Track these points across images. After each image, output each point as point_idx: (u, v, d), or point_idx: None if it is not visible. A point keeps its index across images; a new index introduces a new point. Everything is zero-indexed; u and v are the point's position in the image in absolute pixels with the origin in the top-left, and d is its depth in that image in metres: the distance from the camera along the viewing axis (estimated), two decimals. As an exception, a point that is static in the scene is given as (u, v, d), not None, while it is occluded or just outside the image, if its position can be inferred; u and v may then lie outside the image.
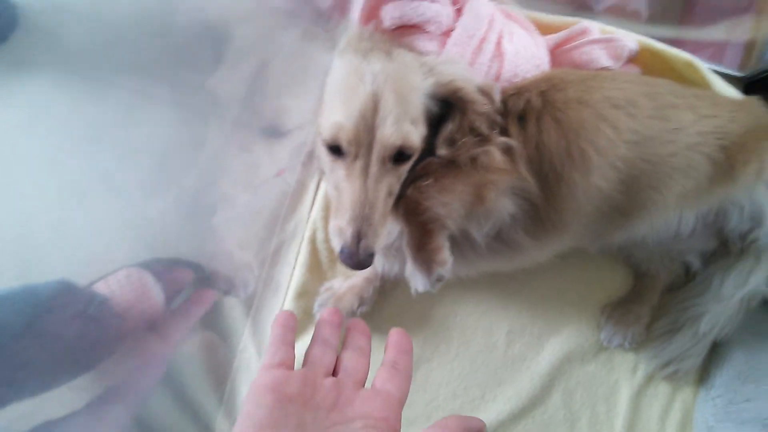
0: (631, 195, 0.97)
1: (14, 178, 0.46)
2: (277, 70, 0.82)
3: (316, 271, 1.21)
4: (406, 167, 0.88)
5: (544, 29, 1.17)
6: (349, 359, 0.69)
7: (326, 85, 0.86)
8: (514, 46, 1.05)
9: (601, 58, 1.11)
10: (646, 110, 0.96)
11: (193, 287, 0.76)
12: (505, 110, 0.94)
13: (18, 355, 0.48)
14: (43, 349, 0.50)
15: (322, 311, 1.13)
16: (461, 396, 1.17)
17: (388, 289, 1.20)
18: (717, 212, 1.05)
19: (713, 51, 1.29)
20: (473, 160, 0.90)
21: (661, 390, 1.21)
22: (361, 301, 1.15)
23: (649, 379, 1.21)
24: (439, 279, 0.88)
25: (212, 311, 0.85)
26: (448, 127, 0.89)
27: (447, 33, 1.03)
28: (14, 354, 0.47)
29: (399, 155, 0.84)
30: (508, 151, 0.92)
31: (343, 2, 1.01)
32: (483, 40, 1.03)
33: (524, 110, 0.95)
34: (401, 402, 0.66)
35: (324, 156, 0.86)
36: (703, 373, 1.21)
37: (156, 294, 0.64)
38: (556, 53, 1.14)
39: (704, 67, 1.17)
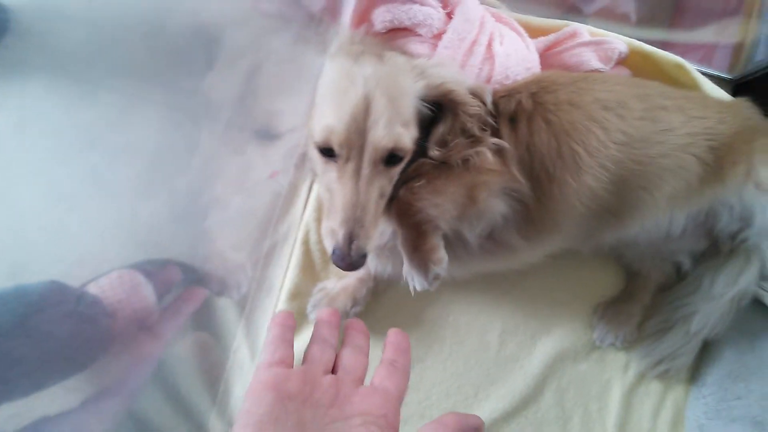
0: (622, 195, 0.98)
1: (6, 181, 0.47)
2: (269, 74, 0.83)
3: (309, 272, 1.21)
4: (398, 169, 0.88)
5: (534, 32, 1.18)
6: (347, 357, 0.70)
7: (318, 88, 0.86)
8: (505, 48, 1.06)
9: (591, 60, 1.12)
10: (636, 112, 0.96)
11: (183, 285, 0.76)
12: (496, 112, 0.95)
13: (10, 354, 0.48)
14: (35, 349, 0.51)
15: (317, 312, 1.14)
16: (454, 395, 1.17)
17: (381, 290, 1.21)
18: (707, 213, 1.06)
19: (702, 53, 1.30)
20: (465, 161, 0.91)
21: (652, 388, 1.21)
22: (355, 302, 1.15)
23: (641, 377, 1.22)
24: (437, 277, 0.89)
25: (205, 312, 0.85)
26: (440, 129, 0.90)
27: (438, 36, 1.04)
28: (6, 353, 0.48)
29: (390, 157, 0.84)
30: (499, 152, 0.93)
31: (334, 6, 1.01)
32: (474, 43, 1.03)
33: (515, 112, 0.96)
34: (399, 399, 0.66)
35: (316, 158, 0.87)
36: (695, 372, 1.22)
37: (147, 293, 0.64)
38: (546, 56, 1.15)
39: (693, 70, 1.18)
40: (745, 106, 1.06)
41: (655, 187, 0.98)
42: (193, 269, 0.77)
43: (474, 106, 0.89)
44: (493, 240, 1.03)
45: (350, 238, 0.80)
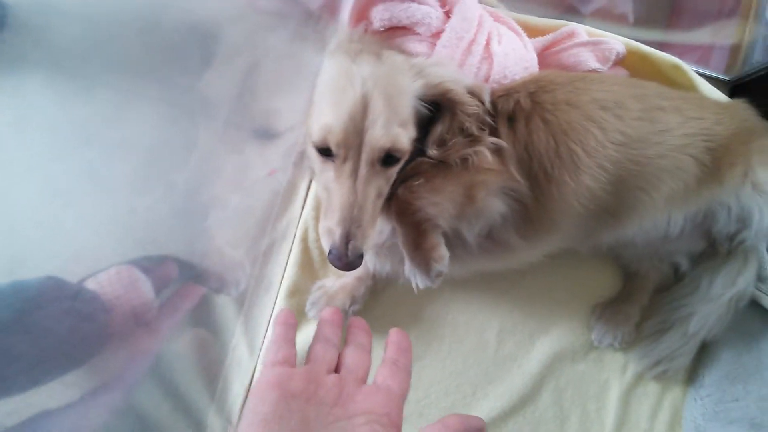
0: (620, 196, 0.98)
1: (2, 176, 0.47)
2: (267, 72, 0.83)
3: (308, 269, 1.22)
4: (396, 169, 0.88)
5: (532, 32, 1.18)
6: (350, 356, 0.70)
7: (316, 86, 0.86)
8: (503, 47, 1.06)
9: (589, 60, 1.13)
10: (634, 112, 0.97)
11: (180, 281, 0.76)
12: (494, 111, 0.95)
13: (7, 350, 0.48)
14: (33, 344, 0.51)
15: (318, 310, 1.14)
16: (453, 393, 1.17)
17: (380, 288, 1.21)
18: (705, 213, 1.06)
19: (699, 54, 1.30)
20: (464, 160, 0.91)
21: (650, 389, 1.22)
22: (353, 300, 1.15)
23: (639, 378, 1.22)
24: (439, 274, 0.89)
25: (204, 308, 0.85)
26: (438, 129, 0.90)
27: (436, 35, 1.04)
28: (3, 349, 0.48)
29: (388, 158, 0.85)
30: (498, 151, 0.93)
31: (332, 3, 1.02)
32: (472, 42, 1.04)
33: (513, 111, 0.96)
34: (402, 398, 0.67)
35: (314, 157, 0.87)
36: (692, 373, 1.22)
37: (146, 289, 0.65)
38: (544, 55, 1.16)
39: (690, 70, 1.18)
40: (742, 108, 1.06)
41: (652, 188, 0.98)
42: (192, 266, 0.77)
43: (472, 106, 0.89)
44: (491, 239, 1.03)
45: (347, 238, 0.81)
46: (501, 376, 1.20)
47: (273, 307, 1.18)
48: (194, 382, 0.88)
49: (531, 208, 0.98)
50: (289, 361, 0.68)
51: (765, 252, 1.12)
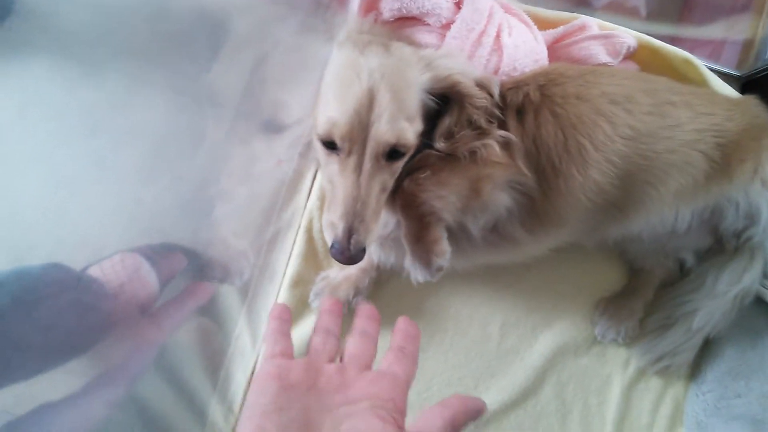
0: (628, 190, 0.97)
1: (7, 163, 0.46)
2: (275, 63, 0.82)
3: (312, 260, 1.22)
4: (400, 164, 0.88)
5: (543, 24, 1.17)
6: (354, 345, 0.70)
7: (324, 77, 0.86)
8: (513, 40, 1.05)
9: (600, 54, 1.12)
10: (644, 107, 0.96)
11: (188, 274, 0.76)
12: (503, 104, 0.94)
13: (11, 336, 0.48)
14: (37, 331, 0.51)
15: (320, 301, 1.14)
16: (455, 386, 1.17)
17: (384, 280, 1.21)
18: (713, 210, 1.05)
19: (711, 49, 1.29)
20: (472, 153, 0.90)
21: (652, 384, 1.22)
22: (357, 291, 1.15)
23: (641, 373, 1.22)
24: (439, 269, 0.89)
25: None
26: (446, 121, 0.89)
27: (446, 26, 1.04)
28: (7, 335, 0.48)
29: (393, 152, 0.84)
30: (506, 145, 0.92)
31: (342, -7, 1.01)
32: (482, 34, 1.03)
33: (522, 104, 0.95)
34: (408, 384, 0.66)
35: (319, 149, 0.87)
36: (695, 369, 1.22)
37: (150, 278, 0.64)
38: (554, 48, 1.15)
39: (702, 65, 1.17)
40: (753, 104, 1.05)
41: (660, 183, 0.98)
42: (196, 255, 0.77)
43: (481, 98, 0.88)
44: (497, 233, 1.02)
45: (350, 232, 0.80)
46: (503, 370, 1.20)
47: (276, 297, 1.18)
48: (197, 371, 0.88)
49: (538, 202, 0.97)
50: (287, 353, 0.67)
51: (772, 249, 1.12)
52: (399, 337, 0.72)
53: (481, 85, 0.89)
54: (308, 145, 0.96)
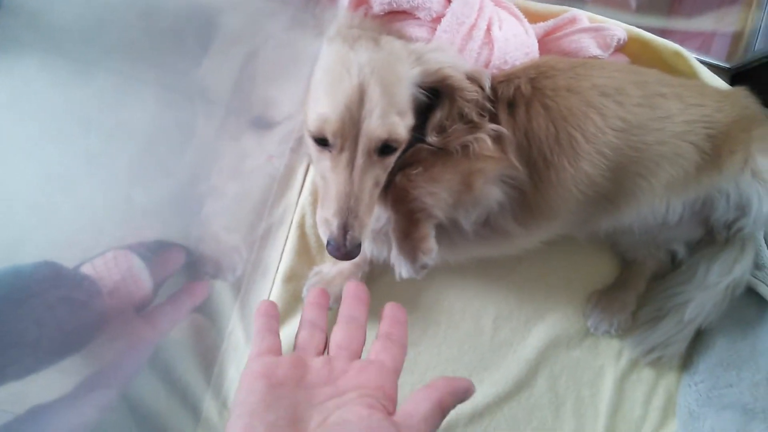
0: (619, 182, 0.98)
1: (-2, 160, 0.46)
2: (265, 59, 0.82)
3: (305, 255, 1.21)
4: (393, 158, 0.87)
5: (534, 17, 1.17)
6: (341, 333, 0.70)
7: (314, 73, 0.85)
8: (504, 33, 1.05)
9: (590, 46, 1.12)
10: (634, 98, 0.96)
11: (184, 274, 0.76)
12: (494, 97, 0.94)
13: (4, 335, 0.48)
14: (29, 329, 0.51)
15: (306, 292, 1.14)
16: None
17: (377, 274, 1.21)
18: (704, 201, 1.06)
19: (701, 41, 1.30)
20: (464, 147, 0.90)
21: (645, 375, 1.22)
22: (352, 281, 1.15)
23: (634, 364, 1.23)
24: (424, 266, 0.89)
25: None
26: (438, 115, 0.89)
27: (437, 19, 1.03)
28: (1, 334, 0.48)
29: (385, 147, 0.84)
30: (498, 138, 0.92)
31: (332, -13, 1.00)
32: (473, 27, 1.03)
33: (514, 97, 0.95)
34: (396, 371, 0.66)
35: (310, 145, 0.86)
36: (687, 360, 1.23)
37: (143, 276, 0.64)
38: (545, 41, 1.14)
39: (692, 58, 1.18)
40: (743, 95, 1.06)
41: (652, 175, 0.98)
42: (188, 251, 0.77)
43: (472, 92, 0.88)
44: (489, 226, 1.02)
45: (345, 228, 0.80)
46: (496, 362, 1.20)
47: (270, 293, 1.18)
48: (190, 367, 0.88)
49: (529, 195, 0.97)
50: (274, 350, 0.67)
51: (762, 240, 1.13)
52: (386, 324, 0.71)
53: (472, 79, 0.89)
54: (299, 141, 0.95)
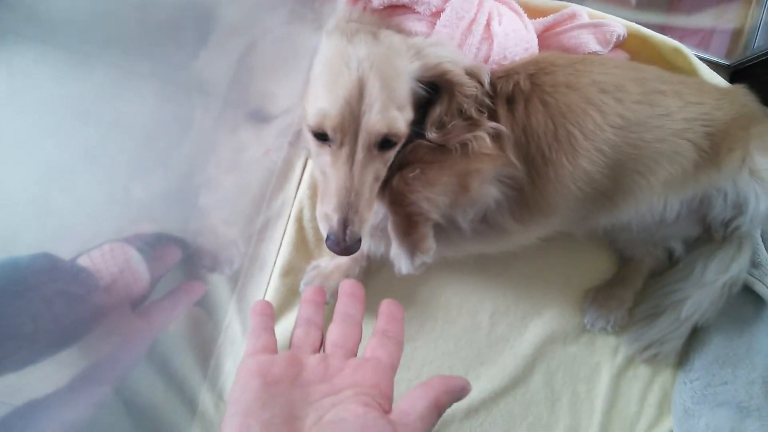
0: (617, 179, 0.98)
1: (-6, 152, 0.46)
2: (263, 53, 0.81)
3: (303, 249, 1.22)
4: (393, 152, 0.87)
5: (533, 13, 1.17)
6: (337, 331, 0.69)
7: (313, 67, 0.85)
8: (504, 28, 1.05)
9: (590, 42, 1.12)
10: (634, 95, 0.96)
11: (182, 268, 0.76)
12: (493, 92, 0.94)
13: (2, 327, 0.48)
14: (27, 321, 0.50)
15: (302, 291, 1.14)
16: (445, 374, 1.18)
17: (374, 269, 1.21)
18: (701, 199, 1.06)
19: (700, 38, 1.30)
20: (463, 145, 0.90)
21: (641, 372, 1.23)
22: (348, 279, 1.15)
23: (630, 361, 1.23)
24: (422, 264, 0.90)
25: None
26: (437, 110, 0.89)
27: (436, 14, 1.03)
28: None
29: (385, 142, 0.83)
30: (497, 136, 0.92)
31: (331, -19, 1.00)
32: (472, 22, 1.02)
33: (513, 93, 0.95)
34: (393, 368, 0.66)
35: (310, 141, 0.86)
36: (683, 357, 1.23)
37: (141, 269, 0.64)
38: (544, 37, 1.14)
39: (691, 54, 1.17)
40: (742, 93, 1.06)
41: (650, 172, 0.98)
42: (186, 244, 0.77)
43: (471, 87, 0.88)
44: (486, 223, 1.02)
45: (345, 223, 0.80)
46: (493, 358, 1.21)
47: (267, 287, 1.18)
48: (187, 360, 0.88)
49: (527, 192, 0.97)
50: (269, 348, 0.67)
51: (759, 238, 1.13)
52: (382, 321, 0.71)
53: (471, 74, 0.89)
54: (297, 135, 0.95)
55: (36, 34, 0.47)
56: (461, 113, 0.89)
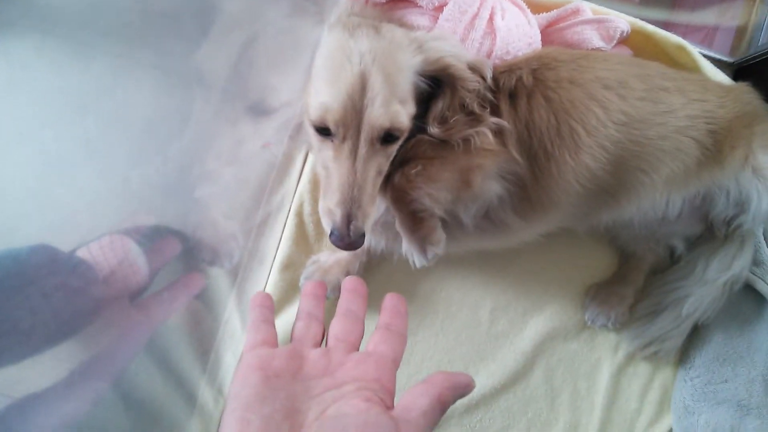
0: (620, 176, 0.97)
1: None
2: (265, 46, 0.81)
3: (303, 243, 1.21)
4: (395, 147, 0.87)
5: (536, 8, 1.16)
6: (339, 326, 0.69)
7: (314, 61, 0.85)
8: (507, 23, 1.04)
9: (593, 38, 1.11)
10: (637, 92, 0.96)
11: (181, 261, 0.76)
12: (496, 87, 0.94)
13: (1, 320, 0.48)
14: (26, 313, 0.50)
15: (303, 285, 1.14)
16: (445, 369, 1.17)
17: (374, 264, 1.21)
18: (704, 197, 1.06)
19: (704, 35, 1.29)
20: (466, 141, 0.90)
21: (641, 369, 1.23)
22: (348, 275, 1.14)
23: (630, 358, 1.23)
24: (434, 256, 0.90)
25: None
26: (439, 105, 0.88)
27: (439, 8, 1.02)
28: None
29: (388, 136, 0.83)
30: (499, 131, 0.92)
31: (333, -26, 0.99)
32: (475, 17, 1.02)
33: (515, 88, 0.95)
34: (395, 362, 0.65)
35: (312, 135, 0.86)
36: (683, 354, 1.23)
37: (140, 262, 0.64)
38: (547, 32, 1.14)
39: (695, 51, 1.17)
40: (745, 91, 1.05)
41: (652, 169, 0.98)
42: (185, 237, 0.77)
43: (473, 82, 0.88)
44: (488, 219, 1.02)
45: (348, 218, 0.80)
46: (493, 354, 1.21)
47: (267, 281, 1.17)
48: (186, 354, 0.87)
49: (530, 188, 0.97)
50: (269, 341, 0.67)
51: (762, 237, 1.13)
52: (386, 315, 0.71)
53: (474, 68, 0.89)
54: (298, 128, 0.95)
55: (35, 24, 0.47)
56: (463, 108, 0.89)
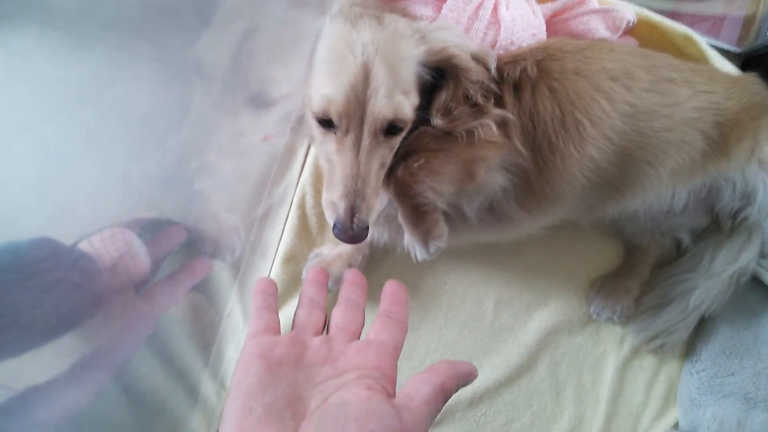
0: (625, 168, 0.97)
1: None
2: (265, 37, 0.80)
3: (305, 236, 1.21)
4: (399, 138, 0.86)
5: (542, -3, 1.15)
6: (340, 315, 0.69)
7: (316, 52, 0.84)
8: (511, 13, 1.03)
9: (599, 28, 1.10)
10: (643, 83, 0.95)
11: (183, 253, 0.76)
12: (500, 78, 0.93)
13: (3, 310, 0.48)
14: (27, 306, 0.50)
15: (305, 272, 1.14)
16: (450, 360, 1.18)
17: (377, 257, 1.21)
18: (710, 189, 1.05)
19: (710, 25, 1.28)
20: (469, 133, 0.89)
21: (647, 362, 1.22)
22: (350, 268, 1.15)
23: (636, 351, 1.23)
24: (437, 249, 0.90)
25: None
26: (443, 96, 0.87)
27: (443, -2, 1.02)
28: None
29: (391, 127, 0.83)
30: (503, 123, 0.91)
31: (335, -36, 0.99)
32: (479, 6, 1.01)
33: (520, 79, 0.94)
34: (396, 350, 0.65)
35: (314, 127, 0.85)
36: (689, 347, 1.23)
37: (141, 254, 0.64)
38: (552, 22, 1.13)
39: (702, 41, 1.16)
40: (753, 82, 1.04)
41: (658, 161, 0.97)
42: (186, 229, 0.77)
43: (477, 72, 0.87)
44: (492, 211, 1.02)
45: (352, 211, 0.79)
46: (497, 347, 1.20)
47: (269, 274, 1.17)
48: (189, 346, 0.88)
49: (534, 180, 0.96)
50: (272, 328, 0.66)
51: (768, 229, 1.12)
52: (386, 302, 0.70)
53: (478, 59, 0.88)
54: (300, 120, 0.94)
55: (35, 16, 0.47)
56: (467, 99, 0.88)
